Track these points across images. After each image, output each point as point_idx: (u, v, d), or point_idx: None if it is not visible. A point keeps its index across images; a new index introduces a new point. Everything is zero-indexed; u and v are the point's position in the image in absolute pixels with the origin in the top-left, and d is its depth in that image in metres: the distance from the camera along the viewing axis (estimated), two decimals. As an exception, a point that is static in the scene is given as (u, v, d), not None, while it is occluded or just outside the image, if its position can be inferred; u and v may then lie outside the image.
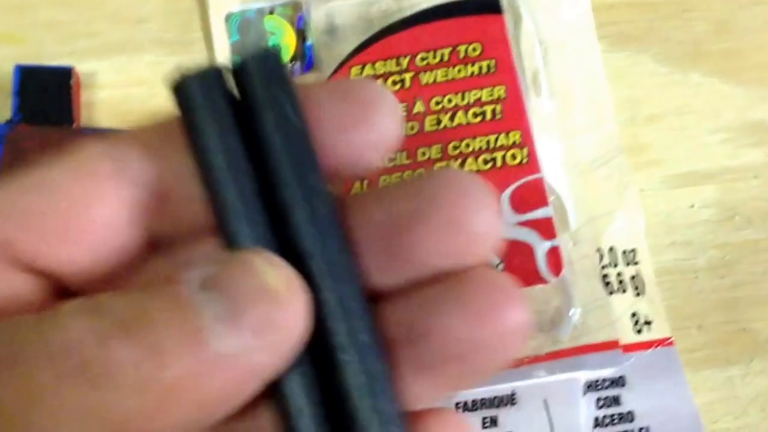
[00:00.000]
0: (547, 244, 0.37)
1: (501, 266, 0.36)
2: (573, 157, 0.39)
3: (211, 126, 0.18)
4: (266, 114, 0.18)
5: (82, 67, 0.40)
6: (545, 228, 0.37)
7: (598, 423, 0.38)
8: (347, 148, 0.18)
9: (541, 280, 0.36)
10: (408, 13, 0.39)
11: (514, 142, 0.37)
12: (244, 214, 0.18)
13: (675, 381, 0.38)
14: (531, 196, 0.37)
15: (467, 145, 0.38)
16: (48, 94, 0.39)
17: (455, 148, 0.38)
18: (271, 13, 0.40)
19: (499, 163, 0.37)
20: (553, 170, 0.39)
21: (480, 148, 0.38)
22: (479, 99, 0.38)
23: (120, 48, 0.41)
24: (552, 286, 0.38)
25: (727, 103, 0.41)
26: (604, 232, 0.39)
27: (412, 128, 0.38)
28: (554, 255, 0.37)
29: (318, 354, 0.18)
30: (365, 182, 0.37)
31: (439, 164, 0.37)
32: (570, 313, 0.38)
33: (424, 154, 0.37)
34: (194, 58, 0.41)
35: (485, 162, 0.37)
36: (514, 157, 0.37)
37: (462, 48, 0.38)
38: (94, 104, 0.40)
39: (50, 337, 0.16)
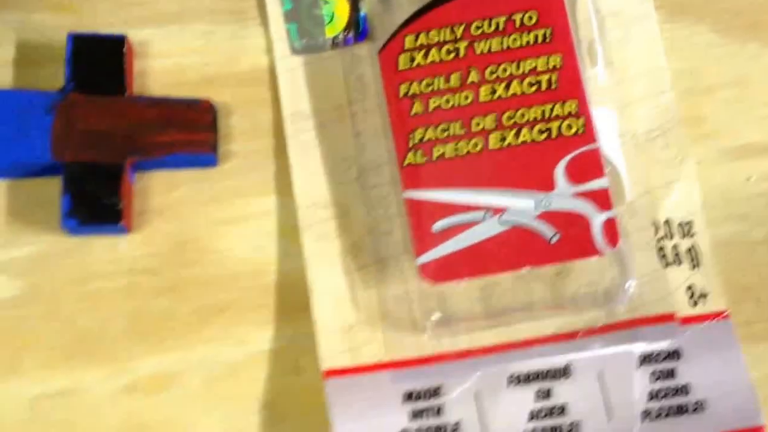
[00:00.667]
0: (603, 216, 0.36)
1: (557, 238, 0.36)
2: (629, 128, 0.39)
3: None
4: None
5: (135, 36, 0.40)
6: (601, 199, 0.37)
7: (652, 396, 0.38)
8: None
9: (596, 251, 0.36)
10: (462, -19, 0.38)
11: (569, 112, 0.37)
12: None
13: (731, 354, 0.38)
14: (587, 167, 0.37)
15: (522, 115, 0.37)
16: (100, 63, 0.40)
17: (510, 118, 0.37)
18: (324, -18, 0.41)
19: (554, 133, 0.37)
20: (609, 141, 0.39)
21: (535, 118, 0.37)
22: (534, 68, 0.38)
23: (173, 17, 0.41)
24: (608, 257, 0.37)
25: (785, 74, 0.41)
26: (660, 204, 0.39)
27: (467, 98, 0.38)
28: (610, 226, 0.36)
29: None
30: (419, 152, 0.37)
31: (494, 134, 0.37)
32: (626, 286, 0.38)
33: (478, 124, 0.37)
34: (247, 27, 0.41)
35: (540, 132, 0.37)
36: (569, 127, 0.37)
37: (517, 16, 0.38)
38: (147, 73, 0.40)
39: None
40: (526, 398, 0.37)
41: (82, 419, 0.37)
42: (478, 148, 0.37)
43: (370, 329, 0.38)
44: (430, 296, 0.38)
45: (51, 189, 0.39)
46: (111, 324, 0.38)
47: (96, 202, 0.38)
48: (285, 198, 0.40)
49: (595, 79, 0.39)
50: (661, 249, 0.39)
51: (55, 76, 0.40)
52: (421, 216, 0.37)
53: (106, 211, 0.38)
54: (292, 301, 0.39)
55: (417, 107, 0.38)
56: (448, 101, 0.38)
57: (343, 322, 0.38)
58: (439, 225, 0.37)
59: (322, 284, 0.38)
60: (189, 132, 0.39)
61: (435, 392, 0.37)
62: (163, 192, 0.39)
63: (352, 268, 0.39)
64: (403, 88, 0.38)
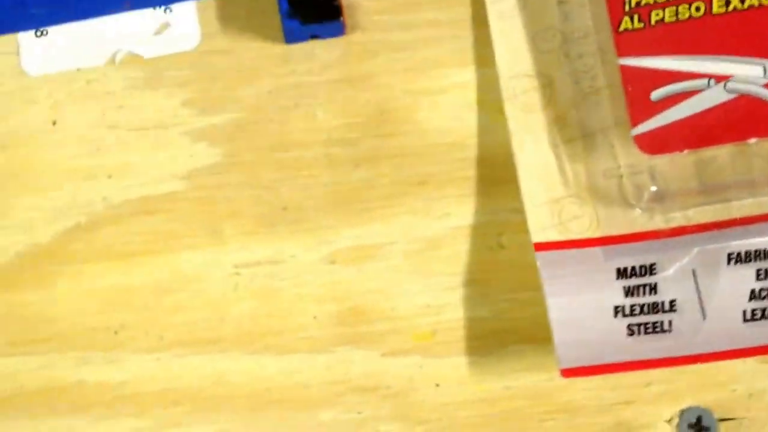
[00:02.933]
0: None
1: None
2: None
3: None
4: None
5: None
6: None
7: None
8: None
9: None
10: None
11: (801, -25, 0.36)
12: None
13: None
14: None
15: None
16: None
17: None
18: None
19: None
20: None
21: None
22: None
23: None
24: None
25: None
26: None
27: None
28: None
29: None
30: (635, 17, 0.35)
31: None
32: None
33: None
34: None
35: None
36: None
37: None
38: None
39: None
40: (746, 277, 0.36)
41: (286, 288, 0.37)
42: (700, 12, 0.36)
43: (579, 204, 0.37)
44: (642, 171, 0.37)
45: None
46: (311, 194, 0.38)
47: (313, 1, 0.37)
48: (484, 69, 0.39)
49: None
50: None
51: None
52: (638, 84, 0.36)
53: (325, 7, 0.37)
54: (494, 176, 0.38)
55: (633, -30, 0.36)
56: (666, -37, 0.36)
57: (551, 195, 0.37)
58: (657, 93, 0.36)
59: (529, 157, 0.38)
60: None
61: (649, 269, 0.37)
62: (359, 61, 0.38)
63: (559, 141, 0.38)
64: (617, -50, 0.37)
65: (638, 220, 0.37)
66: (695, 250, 0.37)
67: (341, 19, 0.37)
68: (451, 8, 0.39)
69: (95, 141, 0.37)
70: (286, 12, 0.37)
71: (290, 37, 0.38)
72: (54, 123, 0.37)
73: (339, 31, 0.38)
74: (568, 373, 0.35)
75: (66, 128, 0.37)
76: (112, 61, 0.38)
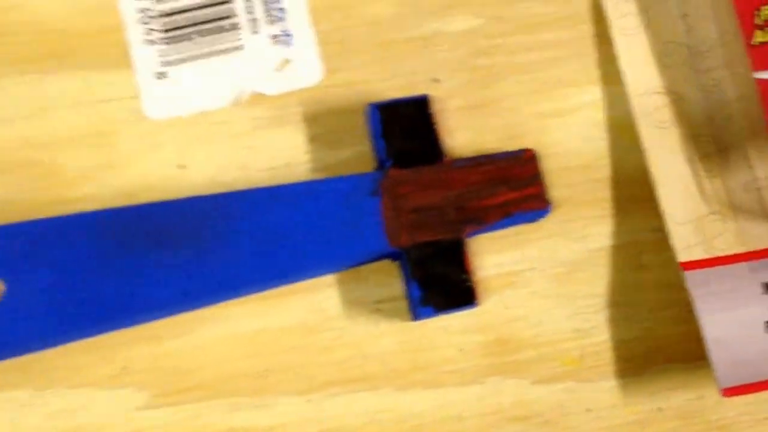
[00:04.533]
0: None
1: None
2: None
3: None
4: None
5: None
6: None
7: None
8: None
9: None
10: None
11: None
12: None
13: None
14: None
15: None
16: (411, 131, 0.38)
17: None
18: None
19: None
20: None
21: None
22: None
23: None
24: None
25: None
26: None
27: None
28: None
29: None
30: (769, 29, 0.36)
31: None
32: None
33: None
34: None
35: None
36: None
37: None
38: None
39: None
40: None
41: (429, 321, 0.37)
42: (834, 21, 0.36)
43: (721, 220, 0.37)
44: (781, 182, 0.37)
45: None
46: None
47: (447, 285, 0.36)
48: (611, 87, 0.39)
49: None
50: None
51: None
52: (776, 96, 0.36)
53: (459, 292, 0.36)
54: (629, 195, 0.39)
55: (762, -19, 0.37)
56: (796, -27, 0.37)
57: (693, 213, 0.37)
58: (797, 105, 0.36)
59: (666, 174, 0.38)
60: (519, 188, 0.38)
61: (797, 282, 0.37)
62: (485, 86, 0.39)
63: (695, 157, 0.38)
64: (744, -37, 0.37)
65: (782, 234, 0.37)
66: (841, 261, 0.37)
67: (476, 301, 0.36)
68: (574, 27, 0.39)
69: (226, 184, 0.37)
70: (419, 299, 0.36)
71: (420, 318, 0.37)
72: (183, 167, 0.37)
73: (471, 308, 0.37)
74: (729, 392, 0.35)
75: (195, 172, 0.37)
76: (237, 101, 0.38)
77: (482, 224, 0.37)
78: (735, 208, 0.37)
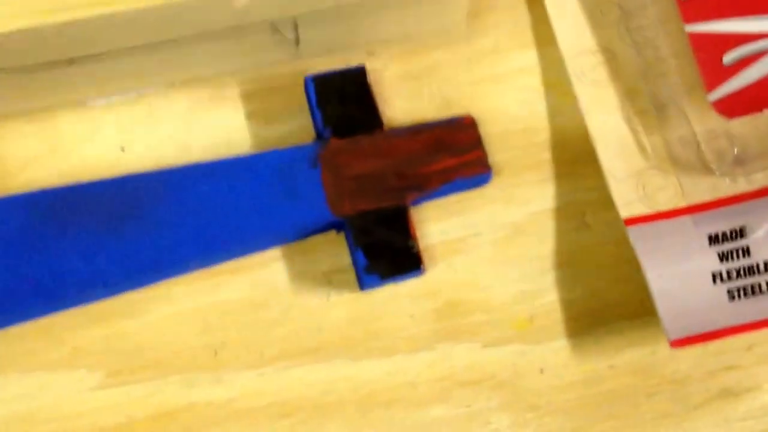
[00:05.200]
0: None
1: None
2: None
3: None
4: None
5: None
6: None
7: None
8: None
9: None
10: None
11: None
12: None
13: None
14: None
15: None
16: (349, 101, 0.38)
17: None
18: None
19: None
20: None
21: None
22: None
23: None
24: None
25: None
26: None
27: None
28: None
29: None
30: None
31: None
32: None
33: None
34: None
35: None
36: None
37: None
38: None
39: None
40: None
41: (379, 290, 0.37)
42: (762, -28, 0.37)
43: (661, 175, 0.38)
44: (719, 135, 0.38)
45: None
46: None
47: (392, 252, 0.36)
48: (545, 49, 0.40)
49: None
50: None
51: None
52: (708, 49, 0.37)
53: (404, 258, 0.36)
54: (569, 156, 0.39)
55: (688, -63, 0.37)
56: (722, -74, 0.37)
57: (633, 169, 0.38)
58: (729, 57, 0.37)
59: (604, 132, 0.38)
60: (460, 154, 0.38)
61: (740, 233, 0.37)
62: (420, 54, 0.39)
63: (632, 114, 0.39)
64: None
65: (722, 185, 0.38)
66: (781, 209, 0.37)
67: (422, 267, 0.36)
68: (505, -8, 0.40)
69: (167, 165, 0.37)
70: (364, 267, 0.36)
71: (366, 287, 0.37)
72: (123, 150, 0.37)
73: (417, 275, 0.37)
74: (677, 343, 0.35)
75: (136, 153, 0.37)
76: (174, 82, 0.38)
77: (424, 191, 0.37)
78: (675, 163, 0.38)
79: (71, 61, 0.34)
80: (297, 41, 0.37)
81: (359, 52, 0.39)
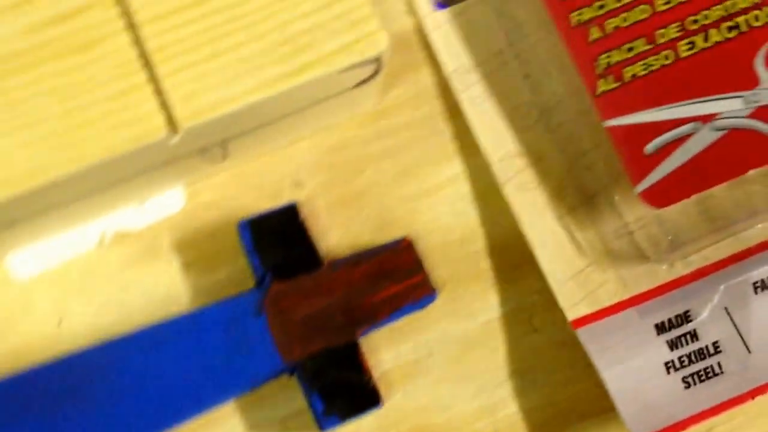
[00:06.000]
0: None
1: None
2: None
3: None
4: None
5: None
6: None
7: None
8: None
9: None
10: None
11: (754, 3, 0.38)
12: None
13: None
14: (784, 54, 0.37)
15: (705, 17, 0.38)
16: (285, 241, 0.38)
17: (694, 22, 0.38)
18: None
19: (743, 27, 0.38)
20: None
21: (720, 16, 0.38)
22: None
23: None
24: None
25: None
26: None
27: (644, 11, 0.38)
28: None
29: None
30: (609, 77, 0.37)
31: (681, 43, 0.38)
32: None
33: (662, 35, 0.38)
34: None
35: (729, 29, 0.38)
36: (756, 18, 0.38)
37: None
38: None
39: None
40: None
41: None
42: (669, 60, 0.38)
43: (599, 270, 0.38)
44: (650, 223, 0.39)
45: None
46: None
47: (349, 391, 0.36)
48: (471, 158, 0.40)
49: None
50: None
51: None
52: (628, 142, 0.38)
53: (362, 395, 0.36)
54: (510, 261, 0.39)
55: (594, 33, 0.38)
56: (625, 19, 0.38)
57: (572, 269, 0.38)
58: (651, 146, 0.38)
59: (540, 235, 0.39)
60: (403, 280, 0.38)
61: (685, 317, 0.38)
62: (349, 180, 0.39)
63: (563, 212, 0.39)
64: (574, 17, 0.38)
65: (660, 272, 0.38)
66: (721, 287, 0.38)
67: (381, 401, 0.36)
68: (422, 106, 0.40)
69: (107, 329, 0.37)
70: (322, 411, 0.36)
71: (327, 429, 0.36)
72: (61, 321, 0.37)
73: (377, 408, 0.37)
74: (644, 440, 0.36)
75: (74, 323, 0.37)
76: (102, 242, 0.37)
77: (372, 323, 0.37)
78: (611, 256, 0.38)
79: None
80: (224, 157, 0.37)
81: (286, 183, 0.38)
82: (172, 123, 0.33)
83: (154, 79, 0.33)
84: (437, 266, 0.39)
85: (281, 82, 0.34)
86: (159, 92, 0.33)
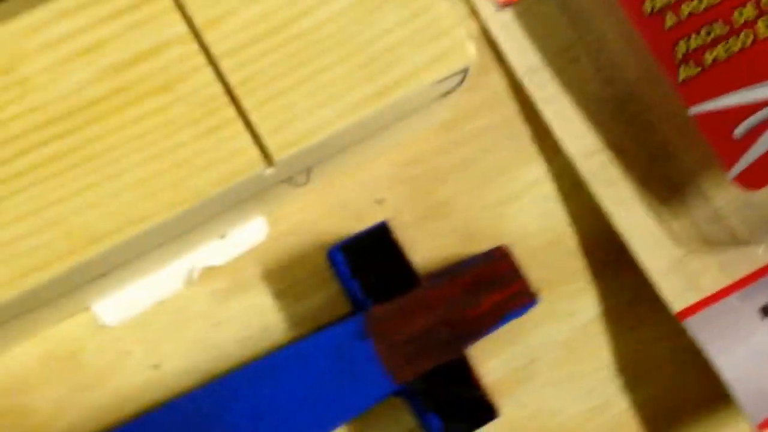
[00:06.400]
0: None
1: None
2: None
3: None
4: None
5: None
6: None
7: None
8: None
9: None
10: None
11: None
12: None
13: None
14: None
15: (783, -9, 0.37)
16: (379, 262, 0.37)
17: (771, -2, 0.37)
18: None
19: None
20: None
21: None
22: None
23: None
24: None
25: None
26: None
27: (720, -8, 0.37)
28: None
29: None
30: (690, 63, 0.36)
31: (760, 21, 0.37)
32: None
33: (740, 15, 0.37)
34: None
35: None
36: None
37: None
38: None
39: None
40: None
41: None
42: (750, 39, 0.37)
43: (697, 258, 0.38)
44: (741, 207, 0.38)
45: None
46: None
47: (464, 406, 0.36)
48: (551, 158, 0.39)
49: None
50: None
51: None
52: (717, 127, 0.37)
53: (479, 409, 0.36)
54: (604, 258, 0.39)
55: (670, 19, 0.38)
56: (700, 3, 0.37)
57: (670, 259, 0.38)
58: (740, 130, 0.37)
59: (633, 229, 0.38)
60: (503, 289, 0.37)
61: (787, 299, 0.38)
62: (429, 192, 0.39)
63: (654, 204, 0.38)
64: (647, 5, 0.38)
65: (758, 255, 0.38)
66: (822, 264, 0.38)
67: (497, 413, 0.36)
68: (498, 109, 0.39)
69: (205, 370, 0.36)
70: (441, 430, 0.35)
71: None
72: (157, 367, 0.36)
73: (493, 420, 0.36)
74: (763, 426, 0.35)
75: (171, 366, 0.36)
76: (190, 281, 0.37)
77: (477, 335, 0.36)
78: (707, 243, 0.38)
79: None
80: (307, 182, 0.36)
81: (367, 201, 0.38)
82: (266, 155, 0.32)
83: (242, 112, 0.32)
84: (531, 270, 0.38)
85: (371, 103, 0.33)
86: (248, 125, 0.32)
